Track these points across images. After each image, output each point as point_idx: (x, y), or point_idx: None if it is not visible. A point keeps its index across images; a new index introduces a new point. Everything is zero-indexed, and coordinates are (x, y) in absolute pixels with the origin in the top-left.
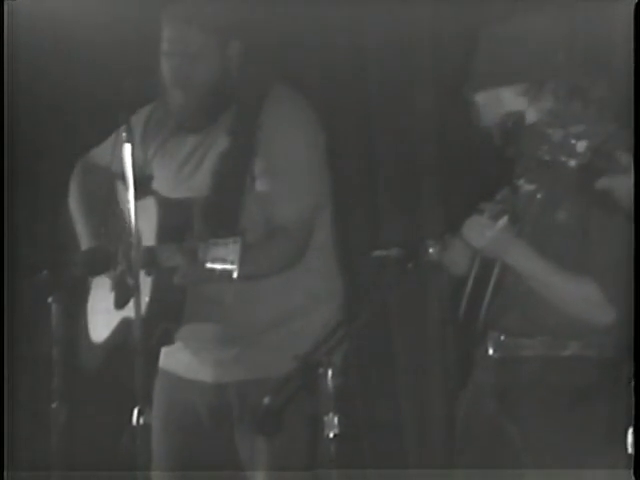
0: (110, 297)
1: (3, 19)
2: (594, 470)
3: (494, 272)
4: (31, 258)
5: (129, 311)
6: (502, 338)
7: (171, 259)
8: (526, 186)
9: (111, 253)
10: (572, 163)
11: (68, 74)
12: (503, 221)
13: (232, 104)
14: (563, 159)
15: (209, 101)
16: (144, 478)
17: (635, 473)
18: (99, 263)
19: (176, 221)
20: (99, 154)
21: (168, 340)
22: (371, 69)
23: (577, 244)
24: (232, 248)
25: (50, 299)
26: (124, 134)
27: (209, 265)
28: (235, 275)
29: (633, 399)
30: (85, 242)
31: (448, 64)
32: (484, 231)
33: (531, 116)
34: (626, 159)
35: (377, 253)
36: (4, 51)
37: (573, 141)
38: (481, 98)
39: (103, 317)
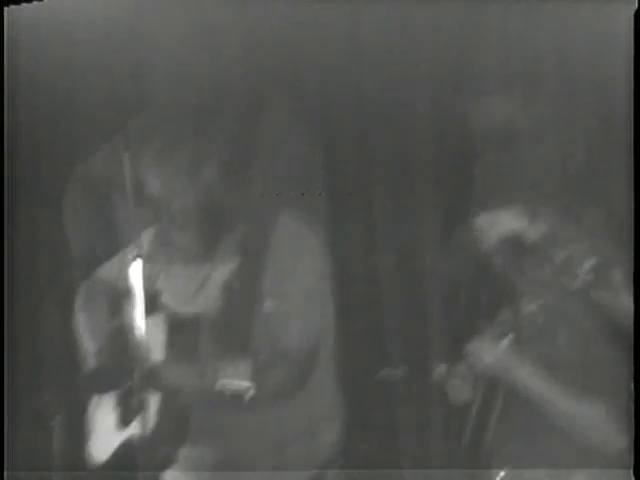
0: (112, 416)
1: (3, 25)
2: (593, 470)
3: (498, 398)
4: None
5: (131, 432)
6: (504, 473)
7: (179, 379)
8: (527, 307)
9: (115, 373)
10: (574, 285)
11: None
12: (505, 343)
13: (237, 225)
14: (565, 281)
15: (207, 228)
16: (143, 479)
17: (635, 473)
18: (103, 384)
19: (184, 339)
20: (106, 269)
21: (169, 463)
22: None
23: (581, 365)
24: (243, 370)
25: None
26: (135, 250)
27: (219, 387)
28: (247, 397)
29: (633, 400)
30: (90, 361)
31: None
32: (487, 354)
33: (530, 237)
34: (624, 280)
35: (382, 374)
36: (4, 55)
37: (575, 262)
38: (480, 221)
39: (105, 437)
